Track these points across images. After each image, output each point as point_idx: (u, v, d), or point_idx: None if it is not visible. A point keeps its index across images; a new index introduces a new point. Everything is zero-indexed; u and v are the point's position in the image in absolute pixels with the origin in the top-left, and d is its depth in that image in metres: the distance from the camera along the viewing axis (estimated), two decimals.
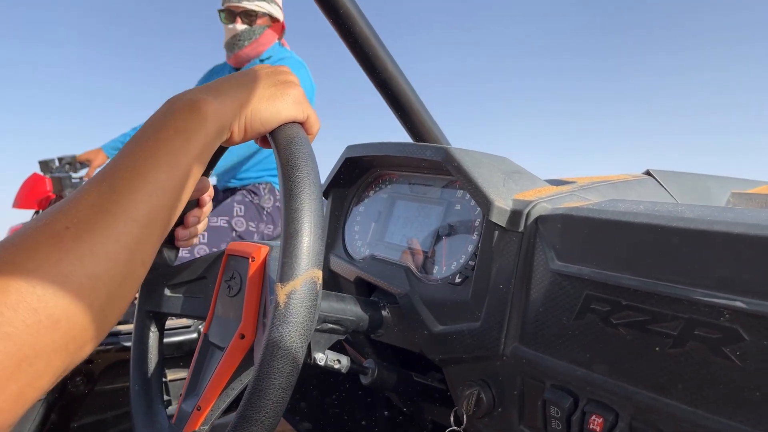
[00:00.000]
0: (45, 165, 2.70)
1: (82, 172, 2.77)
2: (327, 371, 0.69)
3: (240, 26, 2.20)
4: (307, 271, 0.48)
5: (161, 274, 0.76)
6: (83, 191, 0.44)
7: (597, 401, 0.52)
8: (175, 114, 0.51)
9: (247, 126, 0.57)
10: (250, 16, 2.22)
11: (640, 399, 0.48)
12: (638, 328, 0.49)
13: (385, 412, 1.07)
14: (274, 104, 0.58)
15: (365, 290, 0.82)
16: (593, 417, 0.51)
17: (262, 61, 2.26)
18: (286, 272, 0.48)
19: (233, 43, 2.22)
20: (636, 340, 0.49)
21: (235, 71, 2.08)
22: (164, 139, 0.49)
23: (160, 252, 0.77)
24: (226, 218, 2.11)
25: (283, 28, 2.31)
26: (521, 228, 0.60)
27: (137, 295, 0.78)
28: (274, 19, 2.25)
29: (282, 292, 0.48)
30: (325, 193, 0.91)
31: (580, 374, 0.53)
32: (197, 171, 0.52)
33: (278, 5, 2.28)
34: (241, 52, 2.21)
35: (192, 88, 0.55)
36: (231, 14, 2.22)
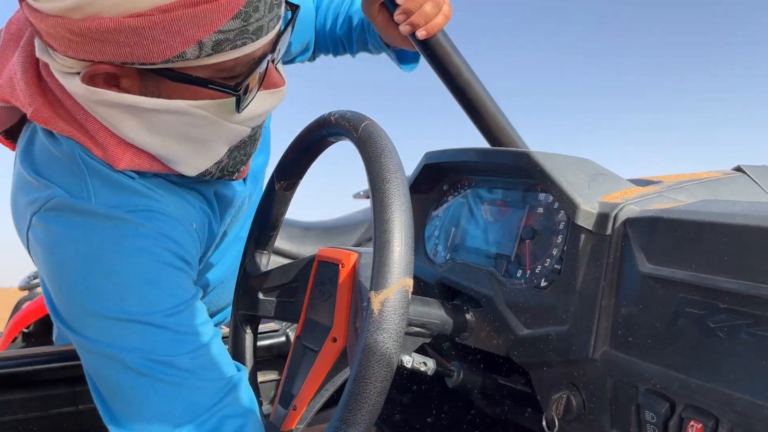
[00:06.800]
0: None
1: None
2: (409, 374, 0.71)
3: None
4: (399, 281, 0.51)
5: (255, 279, 0.80)
6: None
7: (695, 407, 0.51)
8: None
9: None
10: None
11: (742, 405, 0.47)
12: (738, 332, 0.48)
13: (468, 416, 1.08)
14: None
15: (447, 294, 0.83)
16: (692, 422, 0.50)
17: None
18: (379, 281, 0.51)
19: None
20: (736, 344, 0.48)
21: None
22: None
23: (252, 257, 0.82)
24: None
25: None
26: (609, 231, 0.60)
27: (233, 299, 0.82)
28: None
29: (376, 300, 0.50)
30: None
31: (677, 379, 0.52)
32: None
33: None
34: None
35: None
36: None
